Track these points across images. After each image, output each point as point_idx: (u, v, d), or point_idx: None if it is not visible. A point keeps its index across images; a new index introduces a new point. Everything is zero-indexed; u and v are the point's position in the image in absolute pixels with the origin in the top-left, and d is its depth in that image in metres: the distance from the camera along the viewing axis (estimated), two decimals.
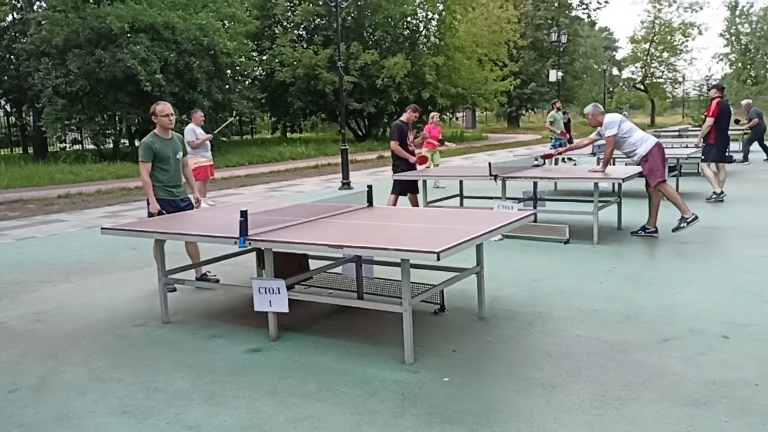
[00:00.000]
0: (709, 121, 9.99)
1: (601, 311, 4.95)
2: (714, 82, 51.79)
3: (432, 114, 13.63)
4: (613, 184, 8.89)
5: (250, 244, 4.36)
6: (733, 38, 54.25)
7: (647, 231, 7.63)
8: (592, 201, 7.67)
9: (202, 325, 5.02)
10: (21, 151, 27.42)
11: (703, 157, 10.40)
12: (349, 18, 30.62)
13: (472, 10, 35.20)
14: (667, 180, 7.56)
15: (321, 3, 29.27)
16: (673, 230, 7.41)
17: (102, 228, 5.28)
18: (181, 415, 3.48)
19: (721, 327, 4.50)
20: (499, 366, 3.99)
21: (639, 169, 8.42)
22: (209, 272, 6.18)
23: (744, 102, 16.67)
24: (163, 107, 5.93)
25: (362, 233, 4.45)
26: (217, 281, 6.06)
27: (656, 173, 7.35)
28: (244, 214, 4.31)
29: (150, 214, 5.77)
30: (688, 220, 7.31)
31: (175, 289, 5.78)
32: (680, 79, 55.98)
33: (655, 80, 53.38)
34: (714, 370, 3.72)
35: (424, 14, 34.00)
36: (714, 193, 10.12)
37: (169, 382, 3.92)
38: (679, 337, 4.33)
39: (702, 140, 10.40)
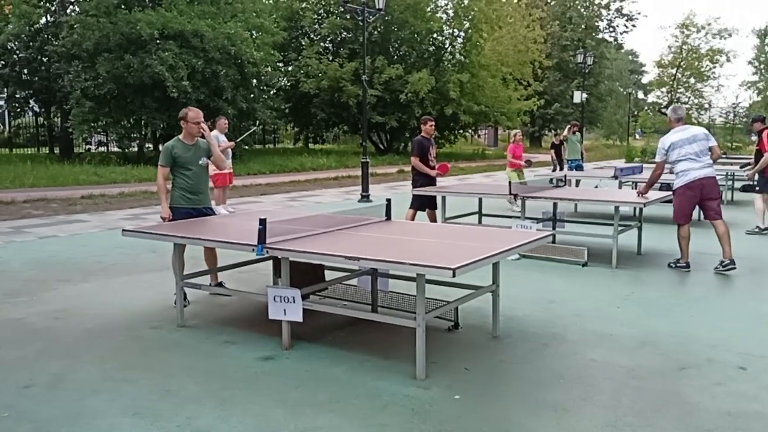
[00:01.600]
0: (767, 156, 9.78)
1: (618, 336, 4.90)
2: (743, 113, 51.27)
3: (515, 132, 13.42)
4: (635, 209, 8.83)
5: (267, 252, 4.39)
6: (762, 66, 53.76)
7: (723, 265, 7.04)
8: (612, 224, 7.62)
9: (216, 330, 5.05)
10: (47, 151, 27.88)
11: (758, 188, 10.06)
12: (376, 32, 30.84)
13: (499, 29, 35.24)
14: (686, 223, 7.11)
15: (348, 17, 29.49)
16: (669, 264, 7.29)
17: (123, 230, 5.36)
18: (191, 419, 3.49)
19: (739, 357, 4.43)
20: (512, 386, 3.97)
21: (662, 194, 8.36)
22: (224, 282, 6.12)
23: None
24: (196, 114, 5.85)
25: (379, 246, 4.46)
26: (220, 284, 6.03)
27: (676, 211, 7.13)
28: (263, 222, 4.35)
29: (163, 219, 5.76)
30: (680, 265, 7.14)
31: (188, 303, 5.60)
32: (706, 106, 55.50)
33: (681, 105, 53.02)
34: (730, 401, 3.66)
35: (450, 31, 34.15)
36: (758, 226, 9.89)
37: (181, 385, 3.94)
38: (696, 366, 4.27)
39: (755, 173, 10.02)
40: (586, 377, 4.09)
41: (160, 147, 25.23)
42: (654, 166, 7.53)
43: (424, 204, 8.86)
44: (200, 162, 5.88)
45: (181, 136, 5.89)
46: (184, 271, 5.33)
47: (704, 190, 7.02)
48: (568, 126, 15.76)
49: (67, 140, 24.84)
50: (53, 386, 3.94)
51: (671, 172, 7.44)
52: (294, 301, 4.43)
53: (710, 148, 7.09)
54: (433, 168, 8.95)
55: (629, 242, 8.30)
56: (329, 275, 5.54)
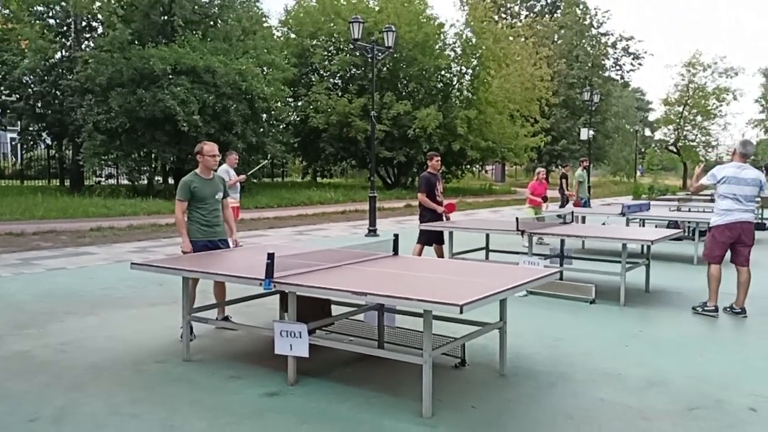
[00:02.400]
0: None
1: (626, 375, 4.85)
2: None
3: (538, 170, 13.34)
4: (642, 246, 8.79)
5: (275, 286, 4.40)
6: None
7: (734, 311, 6.88)
8: (620, 261, 7.59)
9: (222, 365, 5.03)
10: (58, 183, 28.14)
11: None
12: (385, 69, 31.25)
13: (506, 67, 35.68)
14: (718, 263, 6.88)
15: (357, 54, 29.94)
16: (693, 308, 6.96)
17: (132, 263, 5.38)
18: None
19: (750, 399, 4.38)
20: (519, 426, 3.92)
21: (670, 231, 8.35)
22: (231, 316, 6.14)
23: None
24: (212, 148, 5.93)
25: (386, 282, 4.46)
26: (226, 318, 6.03)
27: (709, 250, 6.93)
28: (270, 256, 4.37)
29: (184, 252, 5.82)
30: (708, 309, 6.82)
31: (194, 337, 5.62)
32: (713, 143, 55.61)
33: (687, 143, 53.14)
34: None
35: (458, 68, 34.58)
36: None
37: (186, 421, 3.92)
38: (706, 407, 4.22)
39: None
40: (594, 417, 4.04)
41: (170, 180, 25.60)
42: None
43: (431, 239, 8.87)
44: (216, 196, 5.96)
45: (198, 171, 5.97)
46: (194, 305, 5.33)
47: (742, 234, 6.83)
48: (579, 162, 15.71)
49: (78, 173, 25.10)
50: (58, 420, 3.93)
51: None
52: (300, 336, 4.42)
53: (761, 197, 6.94)
54: (440, 203, 8.99)
55: (637, 279, 8.26)
56: (335, 310, 5.53)
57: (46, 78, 26.08)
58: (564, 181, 15.83)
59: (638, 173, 53.91)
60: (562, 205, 15.10)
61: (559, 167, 19.27)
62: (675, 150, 53.66)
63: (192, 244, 5.83)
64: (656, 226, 12.67)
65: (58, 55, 26.11)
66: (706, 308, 6.84)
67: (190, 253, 5.75)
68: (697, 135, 53.83)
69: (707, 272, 6.93)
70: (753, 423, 3.98)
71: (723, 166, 7.00)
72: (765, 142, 54.18)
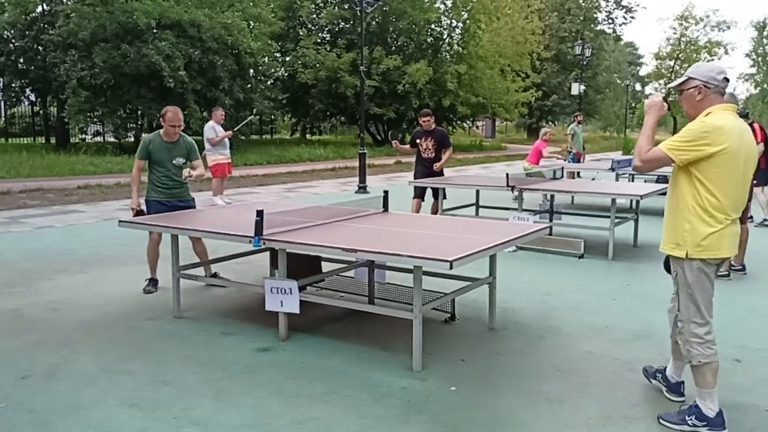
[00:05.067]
0: (761, 147, 9.74)
1: (613, 328, 4.92)
2: (740, 106, 51.28)
3: (546, 130, 13.07)
4: (631, 201, 8.83)
5: (264, 243, 4.38)
6: (760, 59, 53.74)
7: (733, 267, 6.70)
8: (608, 216, 7.63)
9: (213, 321, 5.05)
10: (43, 141, 27.77)
11: (755, 182, 9.99)
12: (374, 23, 30.73)
13: (497, 20, 35.14)
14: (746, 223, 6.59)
15: (346, 7, 29.38)
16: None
17: (120, 221, 5.35)
18: (188, 410, 3.50)
19: (734, 350, 4.45)
20: (507, 378, 3.98)
21: (659, 186, 8.36)
22: (219, 273, 6.12)
23: None
24: (173, 116, 5.80)
25: (376, 238, 4.46)
26: (215, 275, 6.03)
27: None
28: (260, 213, 4.34)
29: (132, 210, 5.79)
30: (722, 273, 6.39)
31: (156, 290, 5.80)
32: None
33: (677, 97, 53.00)
34: (725, 394, 3.67)
35: (448, 22, 34.10)
36: (765, 219, 9.87)
37: (177, 376, 3.95)
38: None
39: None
40: (581, 369, 4.11)
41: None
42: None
43: (423, 192, 8.98)
44: (174, 162, 5.87)
45: (161, 133, 5.90)
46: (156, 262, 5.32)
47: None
48: (573, 116, 15.58)
49: (63, 130, 24.74)
50: (50, 377, 3.94)
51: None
52: (291, 293, 4.43)
53: None
54: (426, 159, 9.05)
55: (626, 234, 8.32)
56: (326, 267, 5.54)
57: (27, 33, 25.47)
58: (571, 136, 15.66)
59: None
60: (576, 161, 14.95)
61: (562, 122, 19.00)
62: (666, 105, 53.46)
63: (147, 204, 5.84)
64: (645, 181, 12.71)
65: (39, 9, 25.45)
66: (734, 267, 6.60)
67: (137, 211, 5.72)
68: None
69: None
70: (737, 373, 4.06)
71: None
72: (755, 96, 54.07)
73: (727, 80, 3.24)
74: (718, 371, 3.30)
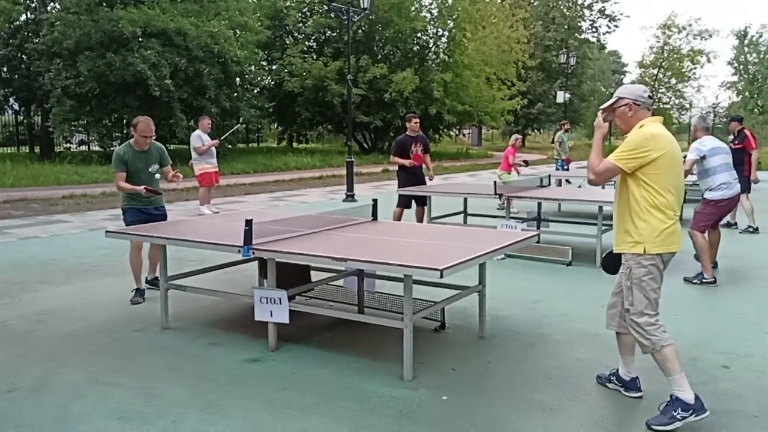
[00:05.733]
0: (756, 154, 9.84)
1: (603, 335, 4.91)
2: (723, 113, 51.87)
3: (516, 137, 13.16)
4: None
5: (253, 253, 4.36)
6: (741, 67, 54.44)
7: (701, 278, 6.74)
8: (595, 224, 7.67)
9: (201, 332, 5.02)
10: (27, 150, 27.51)
11: (741, 189, 10.05)
12: (360, 31, 30.81)
13: (482, 29, 35.35)
14: (705, 232, 6.80)
15: (332, 16, 29.43)
16: (685, 279, 6.72)
17: (107, 231, 5.30)
18: (177, 422, 3.47)
19: (722, 357, 4.49)
20: (499, 387, 3.98)
21: None
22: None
23: None
24: (145, 126, 5.82)
25: (366, 247, 4.45)
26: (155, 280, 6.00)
27: (704, 220, 6.74)
28: (249, 223, 4.32)
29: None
30: (707, 280, 6.60)
31: (144, 301, 5.78)
32: (687, 106, 56.08)
33: (662, 106, 53.54)
34: (714, 400, 3.69)
35: (434, 31, 34.22)
36: (749, 226, 9.95)
37: (166, 388, 3.91)
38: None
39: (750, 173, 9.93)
40: (572, 377, 4.12)
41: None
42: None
43: (408, 202, 8.92)
44: (150, 169, 5.94)
45: (131, 142, 5.92)
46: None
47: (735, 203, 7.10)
48: (560, 124, 15.79)
49: (48, 139, 24.54)
50: (37, 390, 3.89)
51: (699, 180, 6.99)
52: (280, 303, 4.41)
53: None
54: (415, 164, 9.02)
55: (612, 241, 8.35)
56: (315, 276, 5.51)
57: (11, 41, 25.28)
58: (558, 144, 15.85)
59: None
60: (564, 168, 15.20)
61: (547, 129, 19.33)
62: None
63: (124, 211, 5.92)
64: None
65: (23, 18, 25.26)
66: (705, 279, 6.63)
67: (146, 189, 5.78)
68: (671, 98, 54.31)
69: (694, 243, 6.70)
70: (726, 380, 4.09)
71: (701, 140, 6.87)
72: (737, 104, 54.73)
73: (651, 97, 3.64)
74: (677, 352, 3.51)
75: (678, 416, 3.34)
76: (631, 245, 3.53)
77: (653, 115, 3.65)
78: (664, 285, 3.60)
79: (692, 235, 6.70)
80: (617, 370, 3.92)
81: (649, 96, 3.61)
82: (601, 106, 3.73)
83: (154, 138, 6.01)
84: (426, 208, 8.94)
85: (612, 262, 3.79)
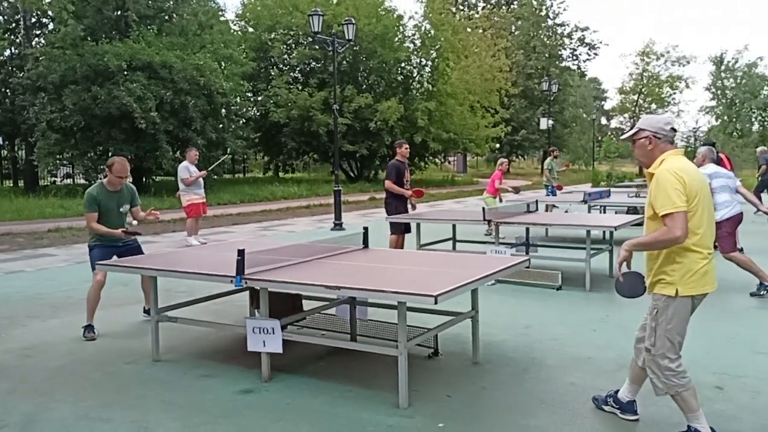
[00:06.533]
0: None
1: (595, 359, 4.94)
2: (703, 137, 52.68)
3: (502, 161, 13.27)
4: (604, 232, 8.96)
5: (246, 283, 4.35)
6: (719, 92, 55.49)
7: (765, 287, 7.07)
8: (584, 248, 7.72)
9: (193, 364, 4.96)
10: (11, 185, 27.32)
11: None
12: (345, 62, 31.12)
13: (465, 58, 35.90)
14: (735, 250, 7.19)
15: (317, 47, 29.74)
16: (751, 294, 7.08)
17: (96, 263, 5.25)
18: None
19: (715, 377, 4.51)
20: (495, 413, 3.96)
21: (631, 217, 8.50)
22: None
23: (759, 149, 17.17)
24: (120, 167, 5.85)
25: (358, 275, 4.45)
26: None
27: (729, 241, 7.06)
28: (241, 253, 4.31)
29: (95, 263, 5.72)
30: None
31: (96, 337, 5.69)
32: None
33: None
34: (709, 421, 3.68)
35: (417, 60, 34.64)
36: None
37: (159, 422, 3.85)
38: None
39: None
40: (567, 402, 4.11)
41: (128, 180, 24.79)
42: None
43: (401, 228, 8.93)
44: (121, 209, 5.98)
45: (104, 182, 5.95)
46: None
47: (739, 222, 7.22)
48: (549, 152, 16.08)
49: (32, 173, 24.39)
50: (26, 427, 3.82)
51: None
52: (273, 332, 4.38)
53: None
54: (406, 190, 9.07)
55: (601, 265, 8.42)
56: (307, 305, 5.49)
57: None
58: (548, 171, 16.04)
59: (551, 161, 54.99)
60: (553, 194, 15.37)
61: (531, 156, 19.65)
62: None
63: (91, 248, 5.93)
64: (616, 212, 12.92)
65: (7, 53, 25.31)
66: (765, 288, 7.01)
67: (126, 231, 5.81)
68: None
69: (738, 264, 7.10)
70: (719, 401, 4.10)
71: (705, 167, 7.18)
72: (716, 128, 55.65)
73: (675, 130, 3.49)
74: (696, 393, 3.44)
75: None
76: (663, 286, 3.40)
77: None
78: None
79: (730, 258, 7.04)
80: (615, 393, 3.90)
81: (672, 128, 3.46)
82: (623, 137, 3.61)
83: (129, 179, 6.04)
84: (411, 236, 8.98)
85: (629, 286, 3.59)
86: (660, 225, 3.31)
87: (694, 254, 3.32)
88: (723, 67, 54.17)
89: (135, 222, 6.13)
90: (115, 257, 5.76)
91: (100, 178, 23.38)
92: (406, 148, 9.11)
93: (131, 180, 6.26)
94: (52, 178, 26.61)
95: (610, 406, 3.90)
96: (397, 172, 9.01)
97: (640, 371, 3.69)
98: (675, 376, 3.39)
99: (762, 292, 7.03)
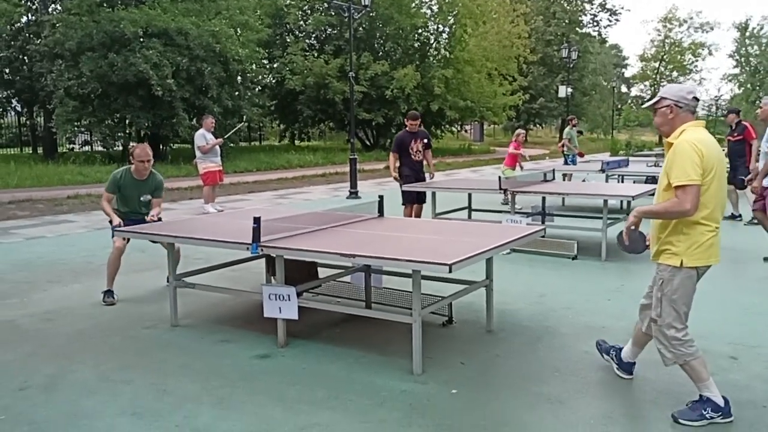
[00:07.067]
0: (756, 144, 9.83)
1: (609, 328, 4.95)
2: (725, 106, 51.81)
3: (517, 131, 13.26)
4: (621, 201, 8.91)
5: (262, 250, 4.39)
6: (743, 59, 54.36)
7: None
8: (600, 217, 7.68)
9: (211, 329, 5.04)
10: (30, 151, 27.59)
11: (741, 178, 10.08)
12: (361, 29, 30.81)
13: (483, 25, 35.32)
14: None
15: (333, 13, 29.45)
16: (765, 258, 7.17)
17: (114, 228, 5.32)
18: (190, 418, 3.50)
19: (730, 348, 4.50)
20: (507, 380, 4.00)
21: (648, 186, 8.41)
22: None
23: None
24: (141, 152, 5.94)
25: (373, 243, 4.48)
26: None
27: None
28: (257, 220, 4.34)
29: (114, 229, 5.78)
30: None
31: (115, 302, 5.76)
32: None
33: None
34: (722, 391, 3.69)
35: (435, 27, 34.22)
36: (733, 213, 10.01)
37: (178, 385, 3.94)
38: None
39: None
40: (580, 370, 4.14)
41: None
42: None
43: (412, 198, 8.87)
44: (141, 198, 6.04)
45: (132, 169, 6.01)
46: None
47: None
48: (568, 120, 16.01)
49: (51, 140, 24.59)
50: (49, 388, 3.92)
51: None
52: (289, 299, 4.43)
53: None
54: (415, 162, 8.96)
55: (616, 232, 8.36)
56: (322, 272, 5.54)
57: (12, 43, 25.35)
58: (568, 140, 16.00)
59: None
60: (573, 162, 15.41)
61: (549, 125, 19.64)
62: None
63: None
64: (635, 182, 12.81)
65: (24, 19, 25.32)
66: None
67: (120, 224, 5.78)
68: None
69: (762, 222, 7.19)
70: (734, 370, 4.11)
71: None
72: (739, 96, 54.64)
73: (697, 99, 3.47)
74: (705, 362, 3.48)
75: (707, 415, 3.36)
76: (668, 256, 3.42)
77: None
78: None
79: (757, 216, 7.17)
80: (619, 349, 4.01)
81: (694, 97, 3.43)
82: (644, 105, 3.64)
83: (151, 163, 6.05)
84: (423, 206, 8.95)
85: (630, 242, 3.60)
86: (672, 195, 3.30)
87: (702, 227, 3.32)
88: (747, 34, 52.98)
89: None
90: (140, 225, 5.81)
91: (118, 145, 23.37)
92: (412, 123, 8.93)
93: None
94: (71, 145, 26.81)
95: (610, 357, 4.04)
96: (398, 144, 8.90)
97: (642, 335, 3.81)
98: (682, 345, 3.43)
99: None
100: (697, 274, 3.42)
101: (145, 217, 5.93)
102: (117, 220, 5.83)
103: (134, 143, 24.22)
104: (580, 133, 16.38)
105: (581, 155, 15.91)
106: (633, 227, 3.57)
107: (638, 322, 3.82)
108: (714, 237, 3.36)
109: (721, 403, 3.39)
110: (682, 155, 3.26)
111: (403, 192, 8.88)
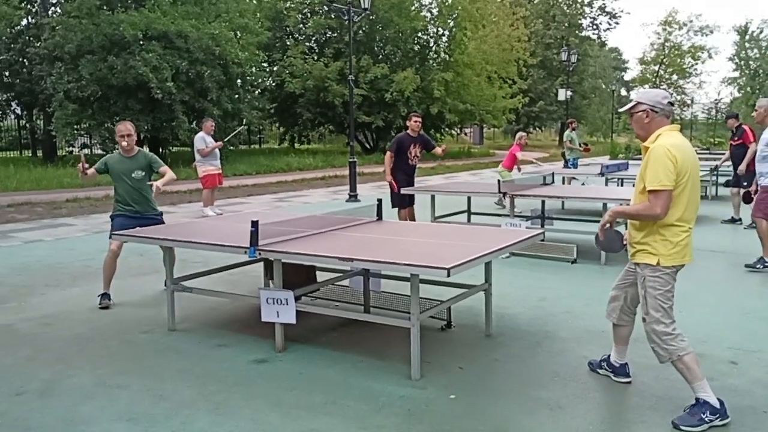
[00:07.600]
0: (753, 147, 9.85)
1: (609, 333, 4.87)
2: (725, 110, 51.86)
3: (522, 134, 13.24)
4: (621, 204, 8.87)
5: (260, 254, 4.37)
6: (742, 63, 54.39)
7: (764, 263, 7.00)
8: (599, 221, 7.64)
9: (208, 333, 5.02)
10: (30, 154, 27.58)
11: (745, 184, 10.09)
12: (361, 32, 30.82)
13: (483, 28, 35.34)
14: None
15: (333, 16, 29.46)
16: (746, 266, 7.03)
17: (113, 233, 5.30)
18: (186, 424, 3.47)
19: (729, 352, 4.48)
20: (507, 385, 3.98)
21: None
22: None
23: None
24: (122, 127, 6.00)
25: (372, 247, 4.46)
26: None
27: (761, 206, 6.95)
28: (255, 224, 4.33)
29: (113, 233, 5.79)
30: (766, 264, 6.94)
31: (111, 306, 5.76)
32: (689, 102, 56.04)
33: None
34: (722, 396, 3.67)
35: (434, 30, 34.22)
36: (733, 217, 10.00)
37: (175, 390, 3.91)
38: None
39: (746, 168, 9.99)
40: (579, 375, 4.12)
41: (145, 149, 24.91)
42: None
43: (404, 201, 8.84)
44: (133, 175, 5.98)
45: (119, 149, 6.07)
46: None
47: None
48: (567, 123, 16.10)
49: (50, 143, 24.59)
50: (45, 393, 3.90)
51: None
52: (287, 303, 4.42)
53: None
54: (412, 166, 8.93)
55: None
56: (320, 276, 5.52)
57: (12, 46, 25.38)
58: (569, 142, 16.08)
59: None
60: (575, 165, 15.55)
61: (549, 128, 19.81)
62: None
63: (112, 219, 6.06)
64: (634, 186, 12.78)
65: (24, 22, 25.34)
66: (764, 263, 6.94)
67: (84, 166, 5.94)
68: (672, 94, 54.17)
69: (758, 229, 7.04)
70: (734, 375, 4.08)
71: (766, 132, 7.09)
72: (738, 100, 54.66)
73: (672, 104, 3.54)
74: (697, 359, 3.52)
75: (706, 419, 3.36)
76: (645, 256, 3.52)
77: None
78: None
79: (758, 222, 7.02)
80: (608, 357, 4.06)
81: (669, 102, 3.50)
82: (620, 110, 3.70)
83: (133, 138, 6.06)
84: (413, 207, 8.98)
85: (607, 240, 3.82)
86: (647, 198, 3.41)
87: (676, 228, 3.43)
88: (747, 37, 53.03)
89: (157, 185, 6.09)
90: (137, 229, 5.79)
91: (117, 148, 23.43)
92: (415, 121, 8.81)
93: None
94: (70, 148, 26.80)
95: (604, 369, 4.06)
96: (398, 144, 8.81)
97: (620, 330, 3.91)
98: (673, 339, 3.47)
99: (758, 266, 6.94)
100: (675, 273, 3.52)
101: (151, 189, 5.94)
102: (82, 164, 5.93)
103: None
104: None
105: (587, 150, 16.11)
106: (608, 225, 3.71)
107: (607, 314, 3.96)
108: (688, 237, 3.47)
109: (717, 404, 3.39)
110: (656, 161, 3.37)
111: (398, 196, 8.80)
